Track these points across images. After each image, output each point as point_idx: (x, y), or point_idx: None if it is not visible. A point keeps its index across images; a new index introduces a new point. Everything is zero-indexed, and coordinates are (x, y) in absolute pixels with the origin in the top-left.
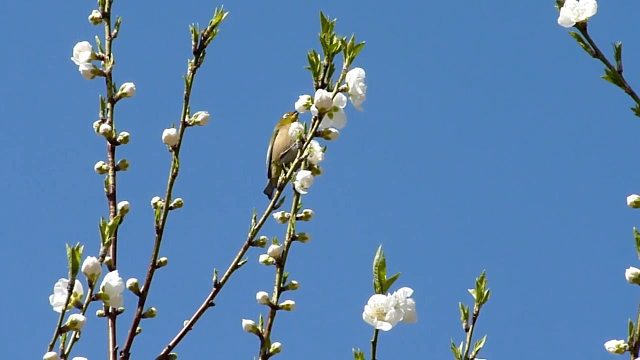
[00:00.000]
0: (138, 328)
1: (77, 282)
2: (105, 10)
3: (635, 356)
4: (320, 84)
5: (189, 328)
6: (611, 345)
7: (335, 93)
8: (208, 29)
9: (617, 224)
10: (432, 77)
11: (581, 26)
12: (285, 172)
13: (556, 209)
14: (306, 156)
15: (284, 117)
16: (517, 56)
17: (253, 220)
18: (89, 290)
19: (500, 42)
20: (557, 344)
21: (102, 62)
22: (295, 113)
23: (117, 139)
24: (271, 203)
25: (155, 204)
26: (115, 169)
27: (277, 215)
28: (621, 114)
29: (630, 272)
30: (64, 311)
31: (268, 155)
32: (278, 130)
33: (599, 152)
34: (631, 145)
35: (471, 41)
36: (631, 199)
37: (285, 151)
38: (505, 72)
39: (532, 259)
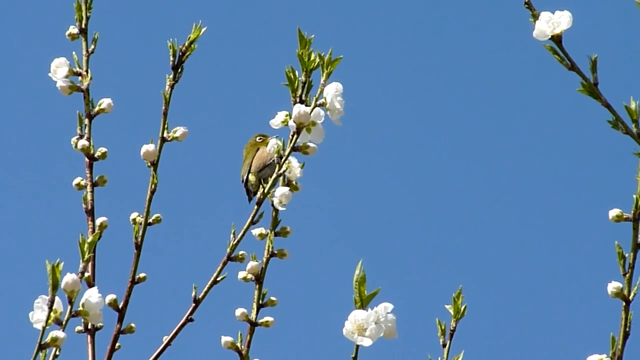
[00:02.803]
0: (117, 344)
1: (56, 298)
2: (83, 26)
3: None
4: (298, 100)
5: (168, 344)
6: (594, 359)
7: (313, 108)
8: (186, 44)
9: (599, 238)
10: (410, 91)
11: (557, 39)
12: (264, 188)
13: (535, 223)
14: (284, 171)
15: (258, 140)
16: (493, 70)
17: (232, 236)
18: (69, 307)
19: (476, 56)
20: (537, 358)
21: (80, 78)
22: (264, 136)
23: (95, 155)
24: (250, 218)
25: (134, 219)
26: (94, 184)
27: (256, 231)
28: (598, 127)
29: (612, 286)
30: (44, 328)
31: (247, 167)
32: (258, 148)
33: (576, 166)
34: (608, 158)
35: (447, 56)
36: (613, 213)
37: (266, 165)
38: (480, 86)
39: (510, 274)
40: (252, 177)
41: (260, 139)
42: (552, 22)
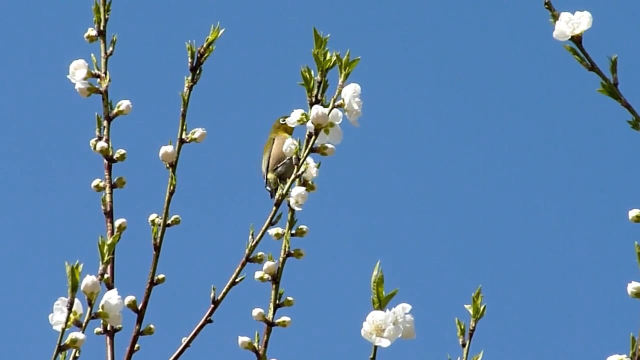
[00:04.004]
0: (137, 346)
1: (76, 300)
2: (101, 28)
3: None
4: (314, 100)
5: (187, 345)
6: (613, 359)
7: (331, 109)
8: (204, 45)
9: (618, 238)
10: (428, 92)
11: (576, 40)
12: (282, 188)
13: (555, 223)
14: (302, 173)
15: (281, 121)
16: (513, 71)
17: (250, 237)
18: (89, 309)
19: (495, 57)
20: (556, 358)
21: (98, 79)
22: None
23: (114, 157)
24: (268, 219)
25: (153, 221)
26: (112, 186)
27: (273, 231)
28: (618, 127)
29: (632, 286)
30: (63, 329)
31: (265, 163)
32: (274, 139)
33: (596, 166)
34: (628, 158)
35: (466, 56)
36: (633, 213)
37: (281, 163)
38: (500, 86)
39: (529, 273)
40: (270, 176)
41: (284, 120)
42: (572, 23)
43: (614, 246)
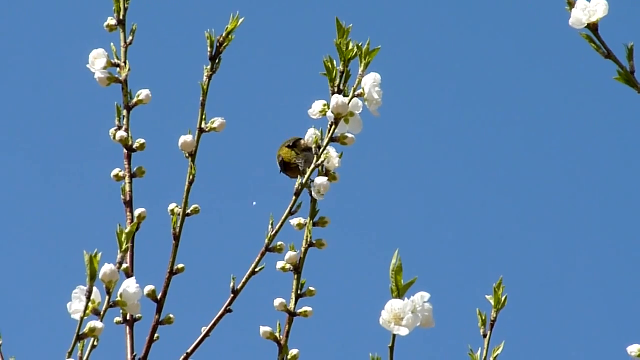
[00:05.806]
0: (156, 335)
1: (95, 289)
2: (121, 18)
3: None
4: (336, 90)
5: (207, 335)
6: (634, 349)
7: (352, 98)
8: (224, 35)
9: (637, 229)
10: (447, 82)
11: (593, 27)
12: (302, 178)
13: (573, 214)
14: (322, 162)
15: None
16: (528, 59)
17: (270, 226)
18: (107, 298)
19: (511, 45)
20: (577, 349)
21: (118, 69)
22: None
23: (134, 146)
24: (288, 209)
25: (172, 210)
26: (132, 176)
27: (294, 222)
28: (634, 115)
29: None
30: (82, 318)
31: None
32: (280, 155)
33: (612, 154)
34: None
35: (483, 44)
36: None
37: (293, 166)
38: (517, 75)
39: (550, 264)
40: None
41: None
42: (588, 11)
43: (634, 236)
